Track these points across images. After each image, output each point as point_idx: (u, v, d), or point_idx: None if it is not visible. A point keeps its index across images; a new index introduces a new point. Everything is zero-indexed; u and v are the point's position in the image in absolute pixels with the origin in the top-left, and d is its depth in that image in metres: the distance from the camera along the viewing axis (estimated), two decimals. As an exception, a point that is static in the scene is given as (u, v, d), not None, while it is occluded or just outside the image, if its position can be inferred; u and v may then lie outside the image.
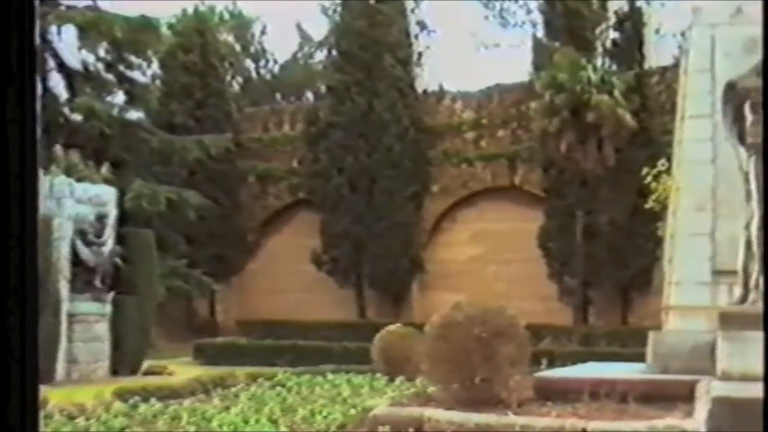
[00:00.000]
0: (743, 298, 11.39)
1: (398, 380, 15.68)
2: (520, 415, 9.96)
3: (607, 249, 32.45)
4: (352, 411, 11.93)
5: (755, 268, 11.32)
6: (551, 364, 15.64)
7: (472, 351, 10.60)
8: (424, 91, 38.40)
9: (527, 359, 11.70)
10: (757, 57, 12.05)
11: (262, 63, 51.31)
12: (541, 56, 34.62)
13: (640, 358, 12.77)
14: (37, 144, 2.37)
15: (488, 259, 35.93)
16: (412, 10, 38.72)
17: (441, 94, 38.98)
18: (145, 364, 23.49)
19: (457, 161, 37.10)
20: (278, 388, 15.02)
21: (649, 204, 23.48)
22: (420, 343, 12.41)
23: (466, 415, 9.94)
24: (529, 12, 39.78)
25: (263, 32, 51.08)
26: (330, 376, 16.52)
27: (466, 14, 65.53)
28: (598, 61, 33.68)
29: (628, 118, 31.25)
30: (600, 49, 34.45)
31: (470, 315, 10.93)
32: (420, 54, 38.66)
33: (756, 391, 10.01)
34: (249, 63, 50.22)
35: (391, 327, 18.96)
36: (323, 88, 42.24)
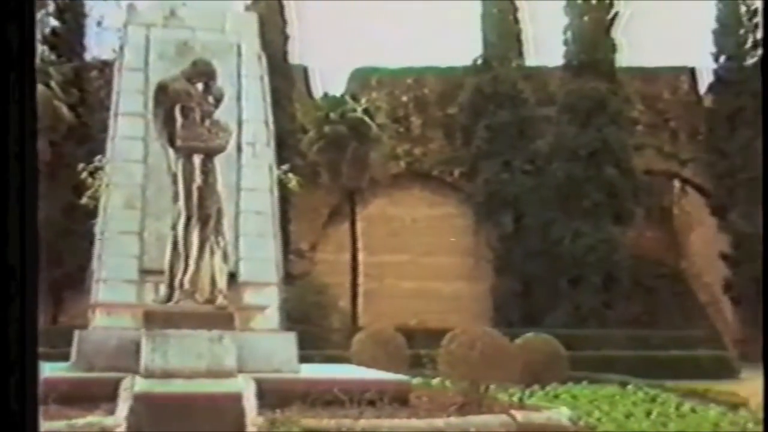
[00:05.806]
0: (168, 297, 11.60)
1: None
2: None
3: (41, 246, 31.51)
4: None
5: (181, 267, 11.59)
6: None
7: None
8: None
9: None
10: (189, 60, 12.42)
11: None
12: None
13: (69, 357, 12.52)
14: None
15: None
16: None
17: None
18: None
19: None
20: None
21: (85, 200, 23.20)
22: None
23: None
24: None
25: None
26: None
27: None
28: (38, 50, 32.69)
29: (65, 111, 30.64)
30: (39, 37, 33.49)
31: None
32: None
33: (175, 386, 10.29)
34: None
35: None
36: None
